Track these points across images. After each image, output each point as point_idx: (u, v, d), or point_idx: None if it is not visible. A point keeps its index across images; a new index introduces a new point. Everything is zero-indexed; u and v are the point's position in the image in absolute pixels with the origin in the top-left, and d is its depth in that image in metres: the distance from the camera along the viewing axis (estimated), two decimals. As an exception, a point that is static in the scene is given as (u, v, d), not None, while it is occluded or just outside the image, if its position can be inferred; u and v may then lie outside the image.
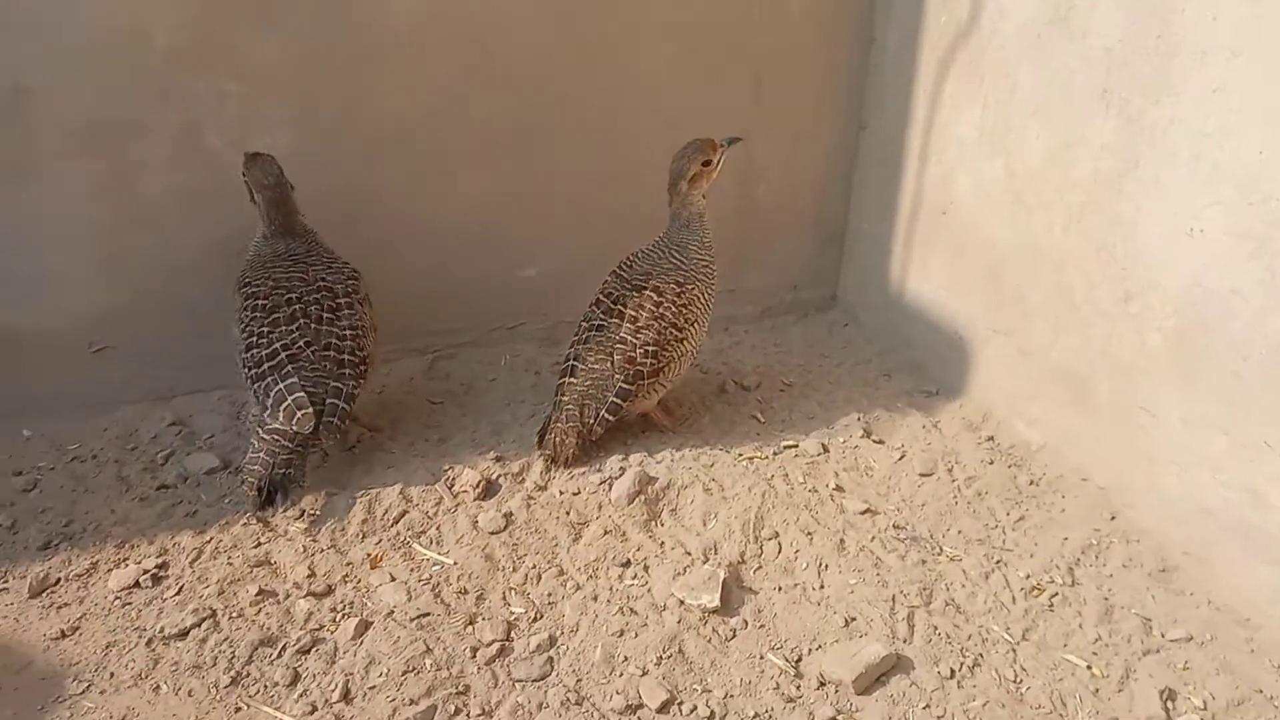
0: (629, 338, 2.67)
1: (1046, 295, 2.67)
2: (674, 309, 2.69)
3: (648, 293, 2.69)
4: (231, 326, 2.57)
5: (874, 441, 2.85)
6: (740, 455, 2.73)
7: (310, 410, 2.36)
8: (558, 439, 2.67)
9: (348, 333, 2.51)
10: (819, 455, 2.77)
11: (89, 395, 2.97)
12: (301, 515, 2.48)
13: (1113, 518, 2.49)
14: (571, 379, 2.70)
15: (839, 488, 2.63)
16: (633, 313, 2.67)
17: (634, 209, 3.28)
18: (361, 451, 2.81)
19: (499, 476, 2.64)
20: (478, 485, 2.59)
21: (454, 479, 2.58)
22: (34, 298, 2.84)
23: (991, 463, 2.76)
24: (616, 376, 2.66)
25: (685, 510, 2.51)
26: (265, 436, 2.37)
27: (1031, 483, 2.67)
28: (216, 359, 3.01)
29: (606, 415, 2.65)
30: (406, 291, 3.15)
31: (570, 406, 2.68)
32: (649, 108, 3.22)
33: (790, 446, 2.80)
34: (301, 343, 2.45)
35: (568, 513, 2.49)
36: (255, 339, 2.46)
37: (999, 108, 2.74)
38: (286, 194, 2.61)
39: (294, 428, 2.33)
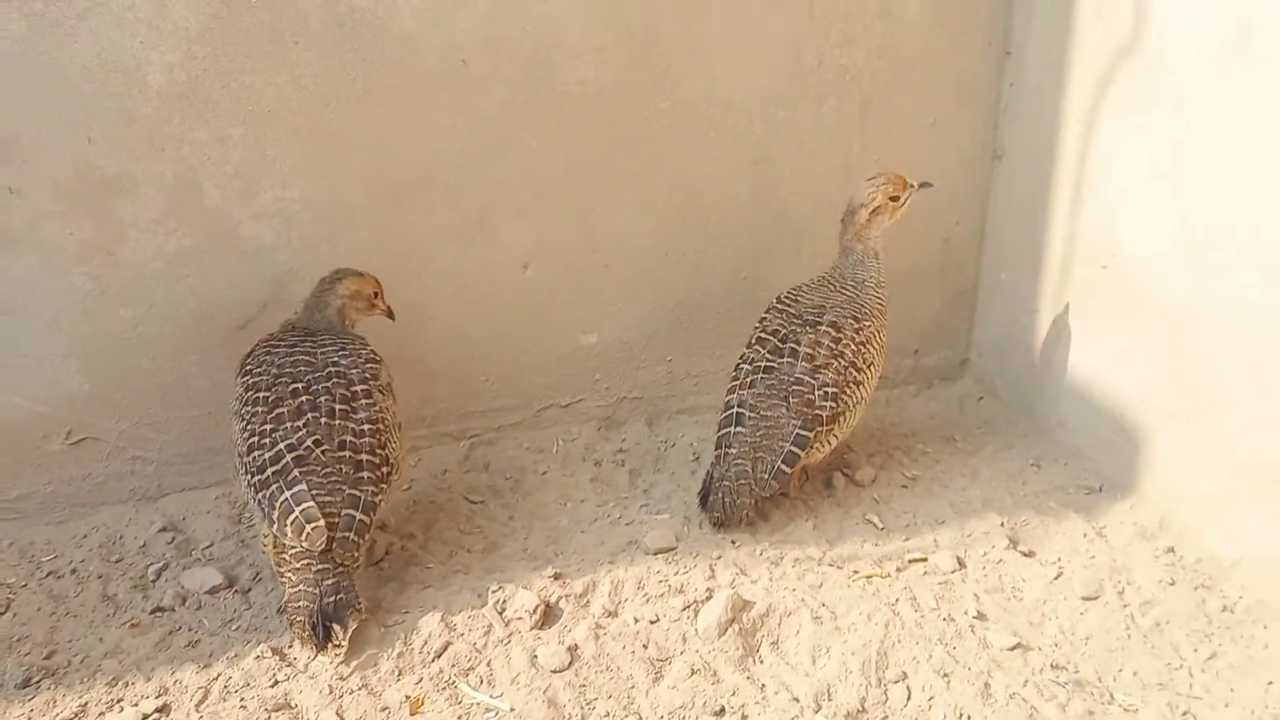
0: (805, 378, 2.91)
1: (1241, 374, 2.74)
2: (853, 347, 2.96)
3: (824, 329, 2.96)
4: (231, 421, 2.72)
5: (1022, 554, 2.92)
6: (855, 573, 2.83)
7: (322, 523, 2.47)
8: (726, 499, 2.89)
9: (365, 428, 2.63)
10: (953, 572, 2.85)
11: (64, 495, 3.12)
12: (325, 647, 2.63)
13: (1331, 656, 2.52)
14: (738, 428, 2.92)
15: (980, 615, 2.70)
16: (808, 350, 2.93)
17: (714, 259, 3.49)
18: (391, 566, 2.96)
19: (559, 599, 2.76)
20: (535, 610, 2.71)
21: (505, 602, 2.71)
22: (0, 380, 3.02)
23: (1173, 583, 2.81)
24: (794, 422, 2.89)
25: (790, 643, 2.60)
26: (295, 563, 2.51)
27: (1225, 610, 2.72)
28: (213, 451, 3.21)
29: (783, 467, 2.88)
30: (439, 364, 3.34)
31: (740, 461, 2.89)
32: (732, 139, 3.41)
33: (917, 561, 2.89)
34: (310, 442, 2.57)
35: (645, 646, 2.58)
36: (257, 439, 2.59)
37: (1172, 142, 2.86)
38: (344, 309, 2.89)
39: (303, 544, 2.46)
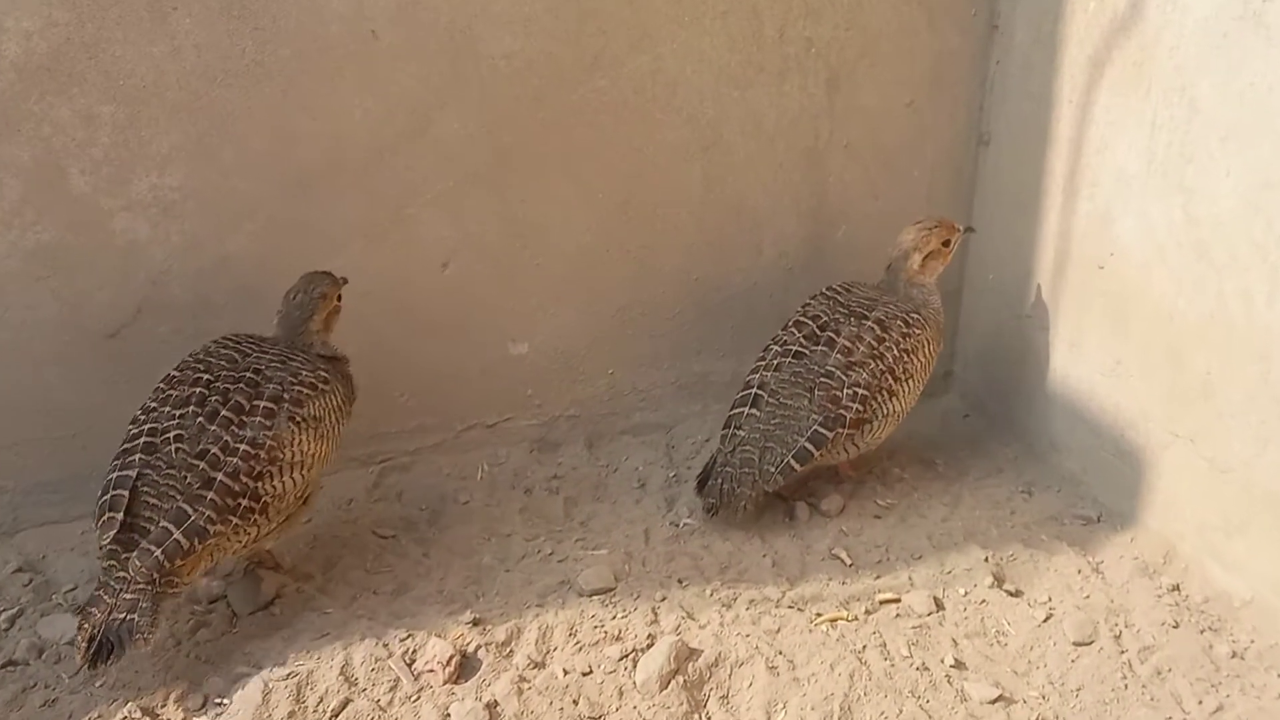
0: (837, 373, 3.01)
1: (1250, 389, 2.75)
2: (896, 352, 3.05)
3: (869, 324, 3.06)
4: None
5: (1008, 593, 2.92)
6: (818, 616, 2.82)
7: (117, 517, 2.50)
8: (725, 485, 2.98)
9: (241, 448, 2.63)
10: (930, 615, 2.85)
11: (-101, 530, 3.03)
12: (204, 705, 2.57)
13: (1352, 706, 2.51)
14: (753, 410, 3.02)
15: (959, 663, 2.69)
16: (846, 343, 3.03)
17: (662, 258, 3.51)
18: (284, 611, 2.90)
19: (478, 648, 2.70)
20: (449, 661, 2.66)
21: (415, 652, 2.67)
22: None
23: (1176, 626, 2.81)
24: (814, 417, 2.99)
25: (741, 697, 2.57)
26: (102, 558, 2.51)
27: (1234, 655, 2.71)
28: (80, 479, 3.14)
29: (793, 463, 2.97)
30: None
31: (748, 447, 2.99)
32: (681, 121, 3.40)
33: (889, 601, 2.89)
34: (171, 435, 2.62)
35: (575, 702, 2.55)
36: (139, 414, 2.68)
37: (1174, 130, 2.88)
38: (306, 318, 2.93)
39: (95, 529, 2.50)
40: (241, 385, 2.71)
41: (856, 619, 2.82)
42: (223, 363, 2.75)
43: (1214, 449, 2.90)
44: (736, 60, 3.36)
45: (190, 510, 2.55)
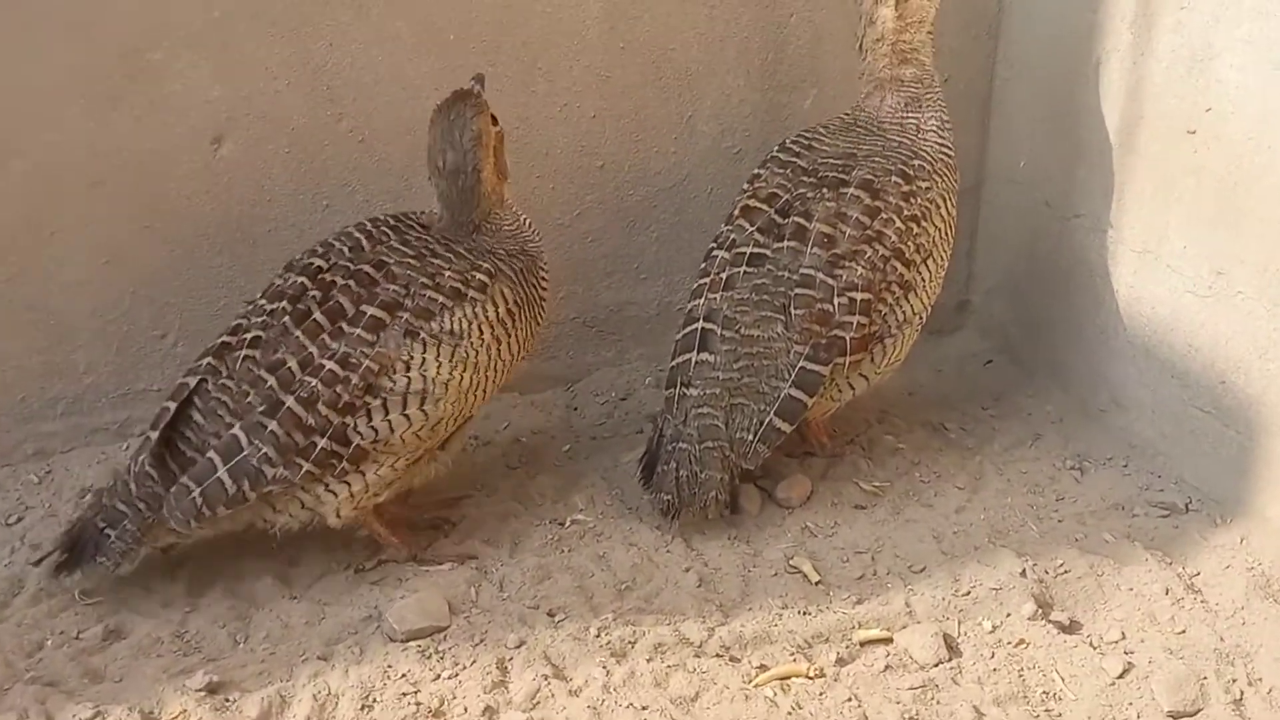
0: (819, 276, 2.60)
1: None
2: (900, 222, 2.63)
3: (853, 193, 2.64)
4: None
5: (1058, 627, 2.45)
6: (760, 670, 2.34)
7: (153, 433, 2.40)
8: (682, 471, 2.61)
9: (327, 366, 2.38)
10: (937, 665, 2.38)
11: None
12: None
13: None
14: (705, 354, 2.63)
15: (982, 751, 2.26)
16: (824, 229, 2.61)
17: (551, 137, 3.15)
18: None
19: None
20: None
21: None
22: None
23: (1330, 678, 2.32)
24: (796, 349, 2.59)
25: (625, 825, 2.09)
26: (132, 484, 2.41)
27: None
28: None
29: (778, 423, 2.59)
30: (77, 316, 2.89)
31: (706, 409, 2.61)
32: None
33: (875, 642, 2.43)
34: (249, 336, 2.44)
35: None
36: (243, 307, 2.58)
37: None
38: (476, 185, 2.61)
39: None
40: (352, 283, 2.46)
41: (822, 675, 2.32)
42: (345, 249, 2.52)
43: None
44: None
45: (244, 440, 2.36)
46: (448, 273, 2.52)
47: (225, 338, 2.48)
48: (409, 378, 2.46)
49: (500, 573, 2.56)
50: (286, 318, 2.44)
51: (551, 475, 2.95)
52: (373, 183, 3.02)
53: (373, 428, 2.42)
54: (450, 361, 2.48)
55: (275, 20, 2.80)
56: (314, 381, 2.37)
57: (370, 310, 2.43)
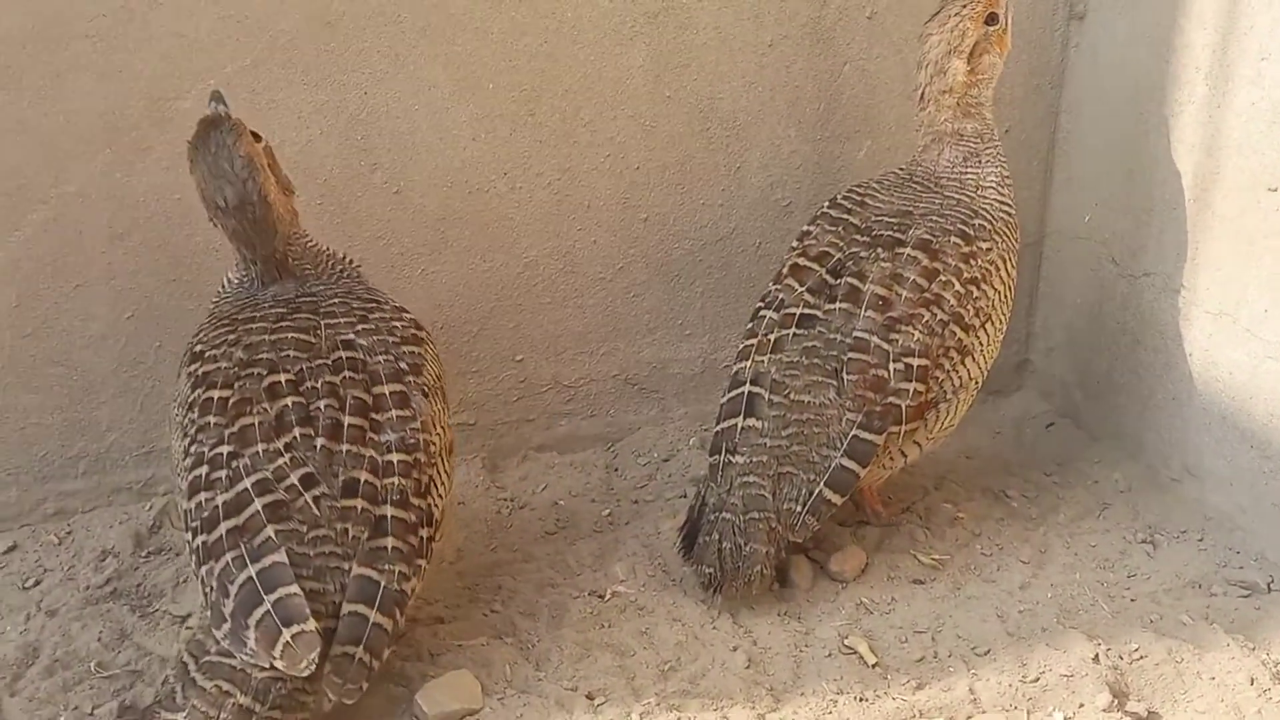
0: (873, 339, 2.55)
1: None
2: (959, 287, 2.58)
3: (909, 253, 2.59)
4: (170, 439, 2.41)
5: (1134, 718, 2.30)
6: None
7: (310, 629, 2.04)
8: (726, 543, 2.51)
9: (395, 460, 2.25)
10: None
11: None
12: None
13: None
14: (752, 420, 2.56)
15: None
16: (879, 291, 2.56)
17: (593, 185, 3.11)
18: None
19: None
20: None
21: None
22: None
23: None
24: (849, 416, 2.53)
25: None
26: (206, 684, 2.07)
27: None
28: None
29: (828, 495, 2.51)
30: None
31: (752, 479, 2.53)
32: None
33: None
34: (296, 479, 2.19)
35: None
36: (206, 472, 2.23)
37: None
38: (267, 213, 2.43)
39: (278, 662, 2.05)
40: (345, 369, 2.31)
41: (873, 777, 2.17)
42: (288, 346, 2.31)
43: None
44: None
45: (378, 576, 2.17)
46: (392, 320, 2.45)
47: (267, 499, 2.25)
48: (441, 431, 2.41)
49: (538, 649, 2.46)
50: (320, 440, 2.28)
51: (591, 541, 2.86)
52: (407, 235, 2.98)
53: (430, 498, 2.32)
54: (444, 405, 2.46)
55: (308, 68, 2.77)
56: (395, 478, 2.26)
57: (385, 387, 2.34)
